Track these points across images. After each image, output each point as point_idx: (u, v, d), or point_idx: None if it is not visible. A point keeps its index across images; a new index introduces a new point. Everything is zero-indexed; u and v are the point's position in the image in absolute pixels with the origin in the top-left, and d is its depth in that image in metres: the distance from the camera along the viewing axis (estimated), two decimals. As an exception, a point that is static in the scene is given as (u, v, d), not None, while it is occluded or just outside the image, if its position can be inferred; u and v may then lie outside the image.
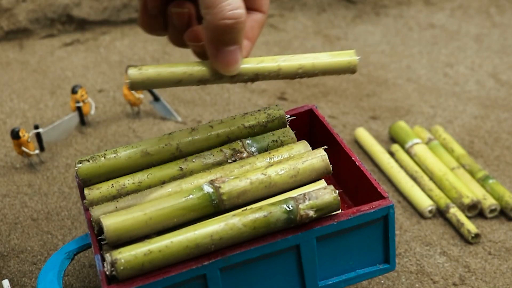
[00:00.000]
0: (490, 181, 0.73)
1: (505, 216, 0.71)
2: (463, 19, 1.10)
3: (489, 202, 0.70)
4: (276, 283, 0.53)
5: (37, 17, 1.04)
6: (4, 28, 1.03)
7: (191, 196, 0.53)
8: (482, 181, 0.73)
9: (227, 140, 0.58)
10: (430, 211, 0.70)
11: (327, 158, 0.55)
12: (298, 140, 0.58)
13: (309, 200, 0.51)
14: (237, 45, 0.51)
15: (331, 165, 0.54)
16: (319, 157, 0.55)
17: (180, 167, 0.56)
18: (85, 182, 0.55)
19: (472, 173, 0.75)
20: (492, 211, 0.70)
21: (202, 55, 0.55)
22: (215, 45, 0.51)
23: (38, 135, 0.79)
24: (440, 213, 0.71)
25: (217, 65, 0.52)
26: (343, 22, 1.10)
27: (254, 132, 0.58)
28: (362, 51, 1.02)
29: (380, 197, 0.54)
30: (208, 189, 0.53)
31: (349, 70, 0.54)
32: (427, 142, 0.79)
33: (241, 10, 0.50)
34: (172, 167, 0.56)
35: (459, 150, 0.78)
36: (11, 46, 1.02)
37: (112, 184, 0.55)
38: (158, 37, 1.03)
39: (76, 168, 0.55)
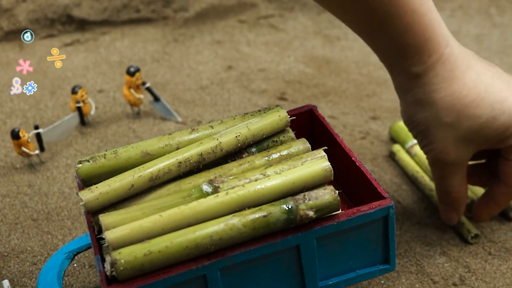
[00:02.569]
0: None
1: (505, 216, 0.71)
2: (463, 20, 1.10)
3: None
4: (276, 283, 0.53)
5: (37, 17, 1.04)
6: (4, 28, 1.03)
7: (190, 195, 0.53)
8: None
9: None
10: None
11: (327, 158, 0.55)
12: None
13: (309, 200, 0.51)
14: (453, 209, 0.66)
15: (332, 166, 0.54)
16: (318, 158, 0.55)
17: (180, 167, 0.56)
18: (85, 182, 0.55)
19: None
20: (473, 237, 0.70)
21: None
22: (439, 199, 0.66)
23: (38, 135, 0.79)
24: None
25: (441, 215, 0.67)
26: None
27: (254, 132, 0.58)
28: (362, 51, 1.02)
29: (380, 197, 0.54)
30: (207, 188, 0.53)
31: (284, 125, 0.58)
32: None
33: (458, 197, 0.64)
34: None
35: None
36: (11, 46, 1.02)
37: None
38: (158, 37, 1.03)
39: (76, 168, 0.55)
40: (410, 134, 0.77)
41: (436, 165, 0.62)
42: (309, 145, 0.56)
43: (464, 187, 0.64)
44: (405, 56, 0.57)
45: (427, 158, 0.63)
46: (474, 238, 0.67)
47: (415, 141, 0.78)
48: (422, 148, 0.62)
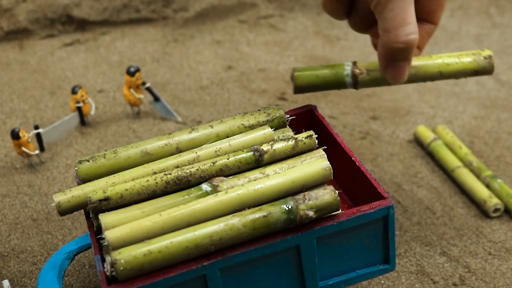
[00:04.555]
0: (499, 180, 0.73)
1: (506, 216, 0.71)
2: (463, 20, 1.09)
3: (494, 201, 0.70)
4: (276, 283, 0.53)
5: (37, 17, 1.04)
6: (4, 28, 1.03)
7: (190, 194, 0.53)
8: (490, 179, 0.73)
9: (227, 140, 0.58)
10: (495, 210, 0.71)
11: (326, 158, 0.55)
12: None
13: (308, 200, 0.51)
14: (407, 61, 0.58)
15: (331, 166, 0.54)
16: (318, 157, 0.55)
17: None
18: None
19: (480, 171, 0.75)
20: (496, 210, 0.70)
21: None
22: (387, 60, 0.58)
23: (38, 135, 0.79)
24: (438, 212, 0.71)
25: (386, 76, 0.59)
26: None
27: (254, 132, 0.58)
28: (362, 51, 1.02)
29: (380, 197, 0.54)
30: (206, 188, 0.53)
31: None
32: (430, 142, 0.79)
33: (414, 36, 0.56)
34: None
35: (466, 147, 0.78)
36: (11, 46, 1.02)
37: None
38: (158, 37, 1.03)
39: (76, 168, 0.56)
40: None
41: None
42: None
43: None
44: None
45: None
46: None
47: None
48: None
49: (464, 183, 0.74)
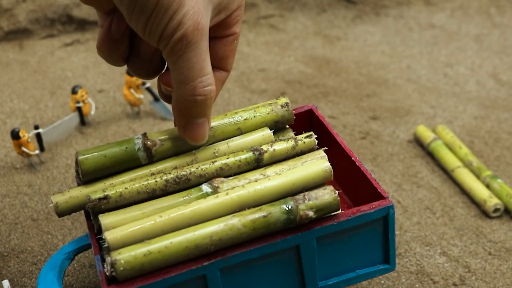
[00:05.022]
0: (499, 180, 0.73)
1: (506, 216, 0.71)
2: (463, 20, 1.10)
3: (494, 201, 0.70)
4: (276, 283, 0.53)
5: (37, 17, 1.04)
6: (4, 28, 1.03)
7: (189, 195, 0.53)
8: (490, 179, 0.73)
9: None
10: (495, 210, 0.71)
11: (327, 159, 0.55)
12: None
13: (308, 200, 0.51)
14: (205, 118, 0.52)
15: (331, 166, 0.54)
16: (318, 158, 0.55)
17: (180, 168, 0.56)
18: (87, 174, 0.55)
19: (480, 171, 0.75)
20: (496, 210, 0.70)
21: (169, 99, 0.55)
22: (184, 117, 0.52)
23: (38, 136, 0.79)
24: (439, 211, 0.71)
25: (184, 137, 0.53)
26: (343, 22, 1.10)
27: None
28: (362, 51, 1.02)
29: (380, 197, 0.54)
30: (206, 189, 0.53)
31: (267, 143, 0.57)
32: (430, 142, 0.79)
33: (212, 87, 0.51)
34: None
35: (466, 147, 0.78)
36: (11, 46, 1.02)
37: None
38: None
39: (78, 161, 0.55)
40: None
41: (190, 39, 0.49)
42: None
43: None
44: None
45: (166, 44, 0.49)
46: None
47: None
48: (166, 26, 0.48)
49: (464, 183, 0.74)
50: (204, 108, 0.51)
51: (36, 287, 0.61)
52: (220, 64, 0.55)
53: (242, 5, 0.53)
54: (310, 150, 0.56)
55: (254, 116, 0.57)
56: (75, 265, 0.66)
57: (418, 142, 0.81)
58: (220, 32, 0.54)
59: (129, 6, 0.47)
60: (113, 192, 0.53)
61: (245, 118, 0.57)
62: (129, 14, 0.48)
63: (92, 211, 0.53)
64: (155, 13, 0.47)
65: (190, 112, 0.51)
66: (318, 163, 0.53)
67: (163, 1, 0.47)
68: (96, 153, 0.54)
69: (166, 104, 0.86)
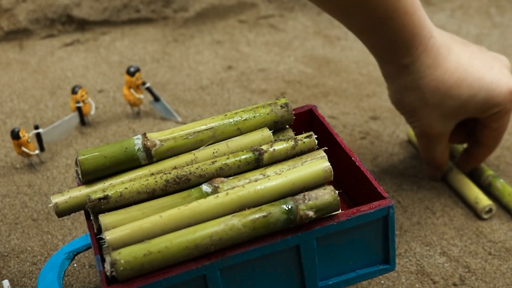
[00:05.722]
0: (501, 180, 0.73)
1: (506, 216, 0.71)
2: (463, 20, 1.09)
3: (484, 203, 0.70)
4: (276, 283, 0.53)
5: (37, 17, 1.04)
6: (4, 28, 1.03)
7: (189, 195, 0.53)
8: (492, 178, 0.73)
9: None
10: (487, 211, 0.71)
11: (327, 159, 0.55)
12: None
13: (308, 200, 0.51)
14: (437, 172, 0.75)
15: (331, 166, 0.54)
16: (318, 158, 0.55)
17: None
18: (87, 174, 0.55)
19: (481, 170, 0.75)
20: (487, 212, 0.70)
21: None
22: (424, 161, 0.74)
23: (38, 135, 0.79)
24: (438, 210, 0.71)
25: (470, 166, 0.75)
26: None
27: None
28: (362, 51, 1.02)
29: (380, 197, 0.54)
30: (207, 189, 0.53)
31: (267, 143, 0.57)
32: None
33: (440, 168, 0.74)
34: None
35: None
36: (11, 46, 1.02)
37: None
38: (158, 37, 1.03)
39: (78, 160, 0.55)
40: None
41: (422, 138, 0.70)
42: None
43: (446, 153, 0.73)
44: (395, 50, 0.64)
45: (414, 132, 0.70)
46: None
47: None
48: (409, 124, 0.70)
49: (456, 187, 0.74)
50: (433, 169, 0.74)
51: (36, 287, 0.61)
52: (484, 141, 0.72)
53: (505, 109, 0.68)
54: (310, 150, 0.56)
55: (254, 117, 0.57)
56: (75, 265, 0.66)
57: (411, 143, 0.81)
58: (483, 122, 0.70)
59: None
60: (113, 192, 0.53)
61: (244, 118, 0.57)
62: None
63: (92, 211, 0.53)
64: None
65: (426, 164, 0.75)
66: (318, 163, 0.53)
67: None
68: (96, 154, 0.54)
69: (166, 104, 0.86)
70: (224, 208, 0.51)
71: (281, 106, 0.58)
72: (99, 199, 0.52)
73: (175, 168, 0.55)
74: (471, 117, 0.69)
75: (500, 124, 0.69)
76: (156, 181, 0.53)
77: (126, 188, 0.53)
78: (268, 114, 0.57)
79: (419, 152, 0.74)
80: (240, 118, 0.57)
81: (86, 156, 0.54)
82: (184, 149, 0.56)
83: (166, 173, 0.54)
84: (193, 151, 0.56)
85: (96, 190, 0.53)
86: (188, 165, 0.55)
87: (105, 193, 0.52)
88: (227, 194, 0.52)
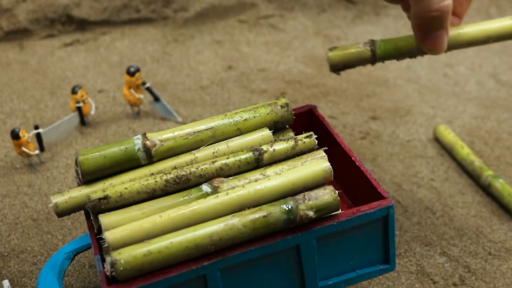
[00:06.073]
0: (501, 180, 0.73)
1: (506, 216, 0.71)
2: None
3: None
4: (276, 283, 0.53)
5: (37, 17, 1.04)
6: (4, 28, 1.03)
7: (189, 195, 0.53)
8: (492, 178, 0.73)
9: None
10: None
11: (327, 159, 0.55)
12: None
13: (308, 200, 0.51)
14: (443, 30, 0.56)
15: (331, 166, 0.54)
16: (318, 158, 0.55)
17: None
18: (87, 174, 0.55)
19: (481, 170, 0.75)
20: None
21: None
22: (422, 31, 0.56)
23: (38, 136, 0.79)
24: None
25: (424, 48, 0.57)
26: (343, 22, 1.10)
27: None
28: (362, 51, 1.02)
29: (380, 197, 0.54)
30: (206, 189, 0.53)
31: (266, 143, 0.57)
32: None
33: (448, 2, 0.54)
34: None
35: (467, 147, 0.79)
36: (11, 46, 1.02)
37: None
38: (158, 37, 1.03)
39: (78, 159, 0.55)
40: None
41: None
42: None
43: None
44: None
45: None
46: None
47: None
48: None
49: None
50: (441, 22, 0.55)
51: (36, 287, 0.61)
52: (454, 11, 0.59)
53: None
54: (310, 150, 0.56)
55: (254, 117, 0.57)
56: (75, 265, 0.66)
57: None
58: None
59: None
60: (113, 192, 0.53)
61: (244, 118, 0.57)
62: None
63: (92, 211, 0.53)
64: None
65: (427, 26, 0.55)
66: (318, 163, 0.53)
67: None
68: (96, 154, 0.55)
69: (166, 104, 0.86)
70: (224, 208, 0.51)
71: (281, 106, 0.58)
72: (99, 199, 0.52)
73: (175, 168, 0.55)
74: None
75: None
76: (156, 181, 0.53)
77: (126, 188, 0.53)
78: (268, 114, 0.57)
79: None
80: (240, 118, 0.57)
81: (86, 156, 0.54)
82: (184, 149, 0.56)
83: (166, 173, 0.54)
84: (193, 151, 0.56)
85: (96, 190, 0.53)
86: (188, 165, 0.55)
87: (105, 193, 0.52)
88: (227, 194, 0.52)
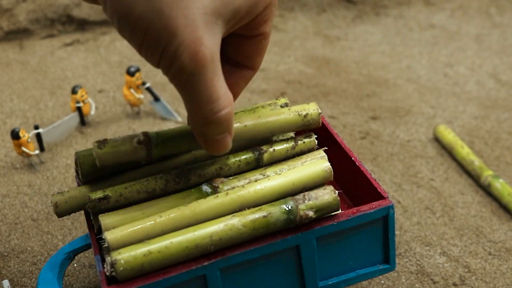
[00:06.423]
0: (501, 180, 0.73)
1: (506, 216, 0.71)
2: (463, 20, 1.10)
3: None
4: (276, 283, 0.53)
5: (37, 17, 1.04)
6: (4, 28, 1.03)
7: (190, 195, 0.53)
8: (492, 178, 0.73)
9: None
10: None
11: (327, 159, 0.55)
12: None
13: (308, 200, 0.51)
14: (225, 133, 0.48)
15: (331, 166, 0.54)
16: (318, 158, 0.55)
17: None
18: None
19: (481, 170, 0.75)
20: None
21: None
22: (203, 137, 0.48)
23: (38, 136, 0.79)
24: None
25: (208, 151, 0.49)
26: (343, 22, 1.10)
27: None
28: (362, 51, 1.02)
29: (380, 197, 0.54)
30: (206, 189, 0.53)
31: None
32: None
33: (226, 110, 0.46)
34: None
35: (467, 147, 0.79)
36: (11, 46, 1.02)
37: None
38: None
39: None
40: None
41: (190, 70, 0.44)
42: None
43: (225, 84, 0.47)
44: None
45: (170, 71, 0.44)
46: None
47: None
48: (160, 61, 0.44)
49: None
50: (221, 128, 0.47)
51: (36, 287, 0.61)
52: (247, 62, 0.51)
53: (271, 4, 0.47)
54: (310, 150, 0.56)
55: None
56: (75, 265, 0.66)
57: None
58: (247, 32, 0.49)
59: (124, 35, 0.44)
60: (113, 192, 0.53)
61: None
62: (128, 41, 0.45)
63: (92, 211, 0.53)
64: (145, 45, 0.43)
65: (207, 133, 0.48)
66: (318, 163, 0.53)
67: (151, 34, 0.43)
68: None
69: (166, 104, 0.86)
70: (224, 208, 0.51)
71: (281, 106, 0.58)
72: (99, 199, 0.52)
73: (175, 168, 0.55)
74: (240, 25, 0.47)
75: (269, 28, 0.49)
76: (156, 181, 0.53)
77: (126, 188, 0.53)
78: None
79: (188, 115, 0.48)
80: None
81: (86, 157, 0.54)
82: (184, 149, 0.56)
83: (166, 173, 0.54)
84: (193, 151, 0.56)
85: (96, 190, 0.53)
86: (188, 165, 0.55)
87: (105, 193, 0.52)
88: (227, 194, 0.52)
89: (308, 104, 0.56)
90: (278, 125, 0.55)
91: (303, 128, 0.56)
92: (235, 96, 0.52)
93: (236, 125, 0.53)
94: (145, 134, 0.52)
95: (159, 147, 0.52)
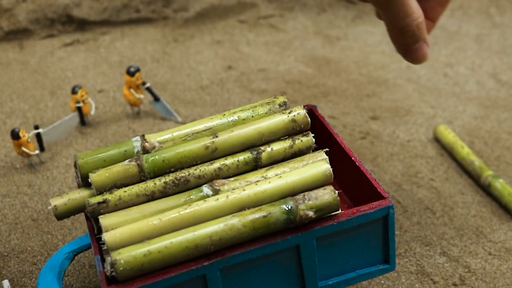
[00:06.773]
0: (501, 180, 0.73)
1: (506, 216, 0.71)
2: (463, 20, 1.09)
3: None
4: (276, 283, 0.53)
5: (37, 17, 1.04)
6: (4, 28, 1.03)
7: (190, 197, 0.53)
8: (492, 178, 0.73)
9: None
10: None
11: (328, 161, 0.55)
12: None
13: (308, 200, 0.51)
14: (422, 41, 0.57)
15: (332, 168, 0.54)
16: (319, 160, 0.55)
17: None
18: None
19: (481, 170, 0.75)
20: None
21: None
22: (402, 48, 0.58)
23: (38, 136, 0.79)
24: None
25: (407, 60, 0.58)
26: (343, 22, 1.10)
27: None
28: (362, 51, 1.02)
29: (380, 197, 0.54)
30: (207, 191, 0.53)
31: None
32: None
33: (418, 21, 0.56)
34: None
35: (467, 147, 0.79)
36: (11, 46, 1.02)
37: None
38: (158, 37, 1.03)
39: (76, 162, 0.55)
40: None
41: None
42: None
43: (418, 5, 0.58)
44: None
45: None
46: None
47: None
48: None
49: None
50: (416, 37, 0.56)
51: (36, 287, 0.61)
52: (428, 15, 0.60)
53: None
54: (308, 148, 0.56)
55: (252, 116, 0.57)
56: (75, 265, 0.66)
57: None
58: None
59: None
60: (112, 195, 0.53)
61: (242, 118, 0.57)
62: None
63: (92, 215, 0.53)
64: None
65: (404, 43, 0.57)
66: (318, 166, 0.53)
67: None
68: (95, 157, 0.55)
69: (166, 104, 0.86)
70: (224, 211, 0.51)
71: (279, 105, 0.58)
72: (98, 203, 0.52)
73: (173, 170, 0.55)
74: None
75: None
76: (155, 184, 0.53)
77: (125, 192, 0.53)
78: (266, 113, 0.57)
79: (390, 23, 0.58)
80: (238, 118, 0.57)
81: (86, 159, 0.54)
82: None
83: (164, 175, 0.54)
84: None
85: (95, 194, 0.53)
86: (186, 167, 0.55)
87: (104, 197, 0.52)
88: (227, 197, 0.52)
89: (296, 107, 0.57)
90: (267, 131, 0.56)
91: (294, 132, 0.56)
92: (434, 20, 0.61)
93: (223, 135, 0.55)
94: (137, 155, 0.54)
95: (148, 161, 0.54)
